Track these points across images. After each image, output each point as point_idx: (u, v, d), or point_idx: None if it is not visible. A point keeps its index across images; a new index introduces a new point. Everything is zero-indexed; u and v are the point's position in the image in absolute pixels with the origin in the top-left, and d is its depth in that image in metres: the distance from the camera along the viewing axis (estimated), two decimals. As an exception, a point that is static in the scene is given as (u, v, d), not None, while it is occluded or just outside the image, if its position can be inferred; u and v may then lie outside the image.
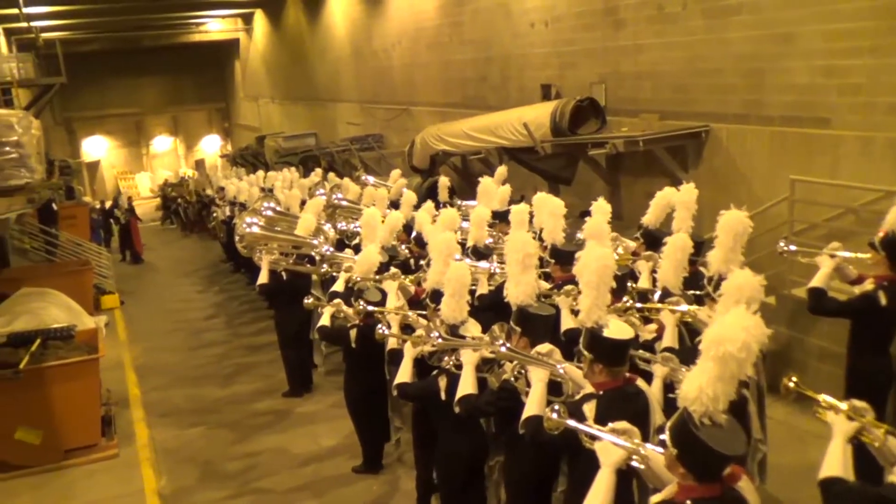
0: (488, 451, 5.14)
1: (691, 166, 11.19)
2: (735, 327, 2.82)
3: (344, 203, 11.66)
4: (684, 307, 4.89)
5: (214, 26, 39.53)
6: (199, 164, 42.54)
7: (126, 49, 38.31)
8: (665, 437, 2.89)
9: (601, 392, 3.76)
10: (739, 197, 8.67)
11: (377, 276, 6.93)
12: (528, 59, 15.52)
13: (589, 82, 13.38)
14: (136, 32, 36.04)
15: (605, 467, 3.18)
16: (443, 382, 4.80)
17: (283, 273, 8.71)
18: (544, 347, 4.07)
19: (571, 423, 3.45)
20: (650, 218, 7.25)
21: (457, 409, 4.47)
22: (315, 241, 8.62)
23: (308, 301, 7.31)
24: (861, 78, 8.99)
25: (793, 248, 5.92)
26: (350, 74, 25.51)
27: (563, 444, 3.64)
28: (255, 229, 8.99)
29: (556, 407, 3.50)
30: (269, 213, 9.85)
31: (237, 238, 9.21)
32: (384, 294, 6.63)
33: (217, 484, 7.08)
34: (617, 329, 3.87)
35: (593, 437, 3.31)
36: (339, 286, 7.47)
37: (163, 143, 46.41)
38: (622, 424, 3.25)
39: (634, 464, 3.16)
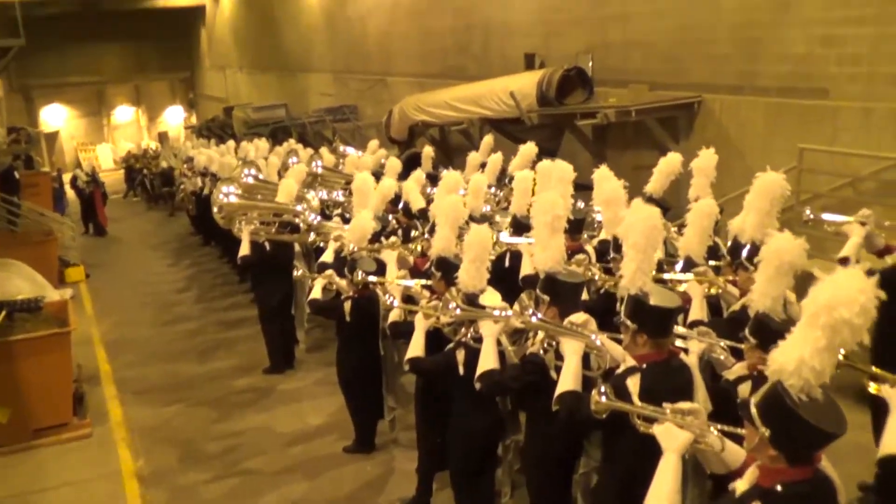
0: (505, 429, 4.83)
1: (682, 138, 10.95)
2: (851, 289, 2.47)
3: (323, 171, 11.20)
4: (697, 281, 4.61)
5: (179, -8, 38.33)
6: (163, 136, 41.37)
7: (87, 13, 36.84)
8: (752, 413, 2.55)
9: (644, 365, 3.44)
10: (733, 170, 8.49)
11: (373, 246, 6.54)
12: (511, 28, 15.13)
13: (575, 52, 13.05)
14: (98, -5, 34.76)
15: (669, 453, 2.85)
16: (461, 356, 4.46)
17: (266, 243, 8.29)
18: (579, 317, 3.74)
19: (626, 405, 3.13)
20: (654, 186, 6.97)
21: (477, 386, 4.13)
22: (299, 208, 8.17)
23: (297, 273, 6.93)
24: (861, 47, 8.79)
25: (827, 216, 5.59)
26: (323, 43, 24.84)
27: (603, 423, 3.33)
28: (234, 199, 8.52)
29: (604, 389, 3.17)
30: (250, 180, 9.35)
31: (215, 209, 8.71)
32: (379, 264, 6.26)
33: (200, 465, 6.68)
34: (662, 296, 3.55)
35: (650, 420, 2.99)
36: (328, 256, 7.09)
37: (125, 114, 45.02)
38: (687, 405, 2.93)
39: (701, 447, 2.85)
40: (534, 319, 3.84)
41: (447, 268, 5.09)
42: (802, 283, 3.89)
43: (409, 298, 5.56)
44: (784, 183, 4.81)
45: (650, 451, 3.30)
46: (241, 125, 24.01)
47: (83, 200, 21.03)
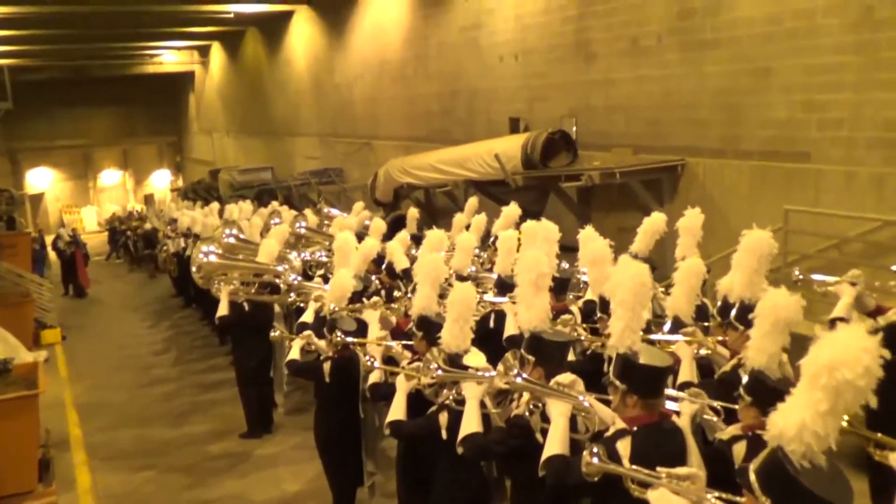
0: (490, 497, 4.62)
1: (667, 200, 10.95)
2: (853, 348, 2.32)
3: (306, 232, 11.10)
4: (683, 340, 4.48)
5: (169, 58, 38.82)
6: (149, 199, 41.41)
7: (76, 79, 37.26)
8: (751, 481, 2.38)
9: (635, 428, 3.28)
10: (717, 232, 8.44)
11: (355, 305, 6.39)
12: (496, 93, 15.29)
13: (559, 116, 13.17)
14: (88, 62, 35.07)
15: None
16: (443, 419, 4.28)
17: (245, 304, 8.12)
18: (566, 377, 3.58)
19: (620, 468, 2.96)
20: (639, 246, 6.90)
21: (460, 450, 3.94)
22: (280, 269, 8.04)
23: (274, 334, 6.74)
24: (842, 112, 8.88)
25: (816, 276, 5.50)
26: (310, 108, 25.09)
27: (592, 489, 3.15)
28: (213, 258, 8.37)
29: (595, 449, 3.00)
30: (231, 240, 9.22)
31: (194, 269, 8.56)
32: (360, 324, 6.09)
33: (169, 535, 6.39)
34: (652, 355, 3.41)
35: (645, 485, 2.81)
36: (307, 316, 6.91)
37: (111, 177, 45.10)
38: (684, 469, 2.76)
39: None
40: (518, 380, 3.68)
41: (429, 327, 4.95)
42: (794, 344, 3.79)
43: (390, 360, 5.40)
44: (771, 241, 4.74)
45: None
46: (227, 187, 24.01)
47: (64, 262, 20.84)
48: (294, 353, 6.11)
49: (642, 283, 3.66)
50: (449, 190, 14.60)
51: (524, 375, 3.71)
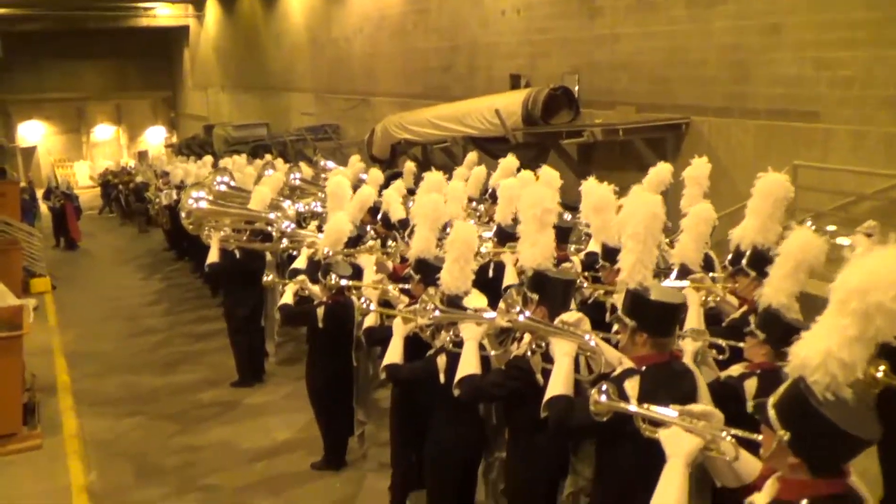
0: (487, 445, 4.48)
1: (670, 160, 10.63)
2: (887, 270, 2.14)
3: (301, 183, 10.87)
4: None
5: (164, 11, 38.03)
6: (142, 155, 40.84)
7: (69, 30, 36.48)
8: (769, 415, 2.22)
9: (644, 368, 3.11)
10: (721, 192, 8.25)
11: (350, 250, 6.20)
12: (497, 49, 14.95)
13: (562, 72, 12.87)
14: (81, 12, 34.36)
15: (675, 459, 2.49)
16: (441, 363, 4.12)
17: (236, 251, 7.93)
18: (571, 316, 3.39)
19: (630, 406, 2.79)
20: None
21: (456, 392, 3.78)
22: (272, 216, 7.82)
23: (267, 278, 6.58)
24: (854, 70, 8.65)
25: (830, 228, 5.27)
26: (306, 63, 24.64)
27: (595, 431, 3.00)
28: (203, 204, 8.14)
29: (605, 387, 2.82)
30: (223, 187, 8.98)
31: (183, 214, 8.35)
32: (355, 269, 5.91)
33: (156, 479, 6.24)
34: (664, 292, 3.23)
35: (656, 423, 2.64)
36: (300, 262, 6.74)
37: (104, 132, 44.47)
38: (700, 407, 2.58)
39: (712, 455, 2.51)
40: (521, 318, 3.50)
41: (427, 270, 4.77)
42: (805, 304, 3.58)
43: (386, 304, 5.23)
44: (787, 184, 4.55)
45: (649, 466, 2.96)
46: (222, 143, 23.67)
47: (55, 214, 20.58)
48: (287, 298, 5.95)
49: (655, 214, 3.48)
50: (447, 146, 14.35)
51: (527, 313, 3.53)
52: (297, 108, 25.11)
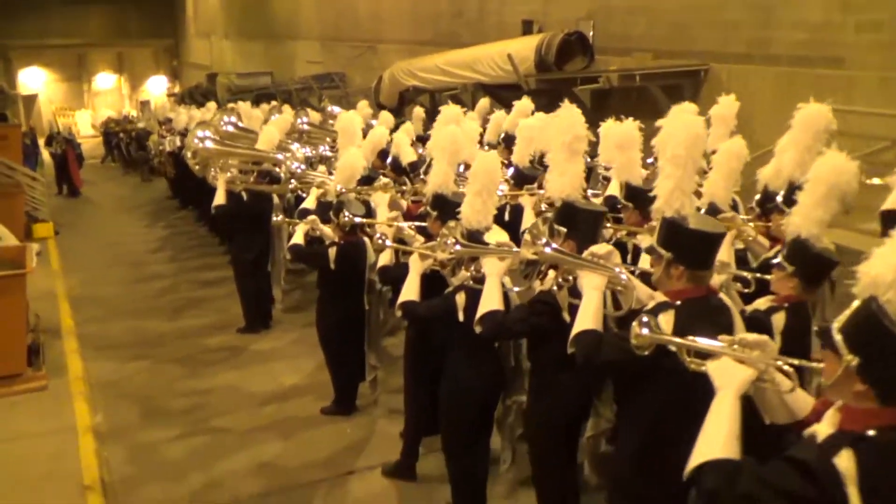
0: (506, 387, 4.34)
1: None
2: None
3: (308, 128, 10.61)
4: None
5: (166, -45, 37.30)
6: (145, 105, 40.35)
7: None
8: (836, 339, 2.04)
9: (678, 302, 2.92)
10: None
11: (362, 188, 6.00)
12: (509, -8, 14.56)
13: (575, 18, 12.52)
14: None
15: (726, 391, 2.29)
16: (460, 300, 3.94)
17: (243, 193, 7.73)
18: (601, 248, 3.18)
19: (675, 338, 2.61)
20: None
21: (478, 329, 3.61)
22: (280, 156, 7.60)
23: (276, 219, 6.39)
24: (882, 14, 8.33)
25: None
26: (311, 10, 24.13)
27: (626, 367, 2.84)
28: (210, 144, 7.90)
29: (646, 319, 2.63)
30: (230, 128, 8.74)
31: (189, 154, 8.13)
32: (368, 209, 5.73)
33: (163, 421, 6.13)
34: (703, 221, 3.03)
35: (703, 356, 2.46)
36: (310, 202, 6.56)
37: (106, 81, 43.95)
38: (753, 336, 2.40)
39: (766, 386, 2.34)
40: (548, 250, 3.30)
41: (445, 206, 4.57)
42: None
43: (401, 242, 5.04)
44: (829, 115, 4.33)
45: (679, 406, 2.81)
46: (225, 92, 23.33)
47: (57, 161, 20.32)
48: (297, 239, 5.78)
49: (697, 134, 3.24)
50: (456, 94, 14.01)
51: (554, 245, 3.34)
52: (303, 56, 24.66)
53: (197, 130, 7.96)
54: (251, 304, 8.20)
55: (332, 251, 5.52)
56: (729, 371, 2.34)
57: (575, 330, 3.06)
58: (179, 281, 10.49)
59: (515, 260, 3.74)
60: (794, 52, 9.23)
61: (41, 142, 22.75)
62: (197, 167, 7.98)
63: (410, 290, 4.21)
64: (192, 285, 10.22)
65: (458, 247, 3.80)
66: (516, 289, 3.80)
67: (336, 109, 13.35)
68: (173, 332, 8.37)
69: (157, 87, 44.01)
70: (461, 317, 3.96)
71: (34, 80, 41.42)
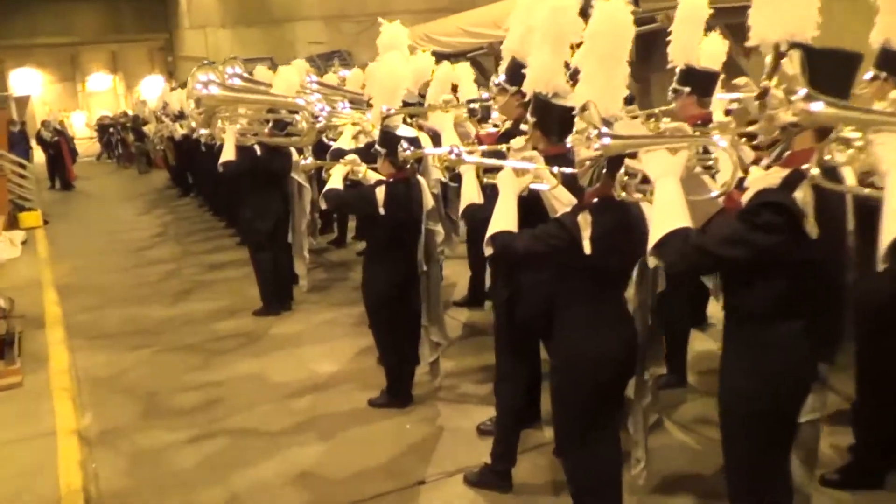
0: (642, 355, 3.04)
1: (755, 52, 9.15)
2: None
3: (319, 87, 9.27)
4: None
5: (158, -54, 36.01)
6: (142, 104, 39.12)
7: (58, -32, 34.58)
8: None
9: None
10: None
11: (415, 108, 4.70)
12: (535, -55, 13.26)
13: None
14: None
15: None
16: (584, 223, 2.65)
17: (256, 147, 6.46)
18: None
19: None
20: None
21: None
22: (302, 101, 6.28)
23: (305, 162, 5.11)
24: None
25: None
26: (312, -14, 22.87)
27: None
28: (216, 89, 6.57)
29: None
30: (237, 80, 7.40)
31: (191, 102, 6.86)
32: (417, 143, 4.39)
33: (169, 422, 4.83)
34: None
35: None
36: (344, 141, 5.28)
37: (100, 82, 42.75)
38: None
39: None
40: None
41: (546, 109, 3.29)
42: None
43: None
44: None
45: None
46: (223, 79, 22.02)
47: (49, 155, 19.13)
48: (335, 182, 4.48)
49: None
50: (480, 55, 12.72)
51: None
52: (305, 38, 23.43)
53: (199, 73, 6.63)
54: (269, 281, 6.91)
55: (380, 192, 4.24)
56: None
57: (664, 230, 2.31)
58: (184, 264, 9.22)
59: (693, 155, 2.47)
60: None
61: (33, 143, 21.56)
62: (201, 118, 6.69)
63: (505, 219, 2.91)
64: (198, 268, 8.95)
65: (607, 140, 2.48)
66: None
67: (346, 73, 12.08)
68: (178, 318, 7.09)
69: (153, 88, 42.72)
70: (588, 248, 2.65)
71: (27, 81, 40.29)
